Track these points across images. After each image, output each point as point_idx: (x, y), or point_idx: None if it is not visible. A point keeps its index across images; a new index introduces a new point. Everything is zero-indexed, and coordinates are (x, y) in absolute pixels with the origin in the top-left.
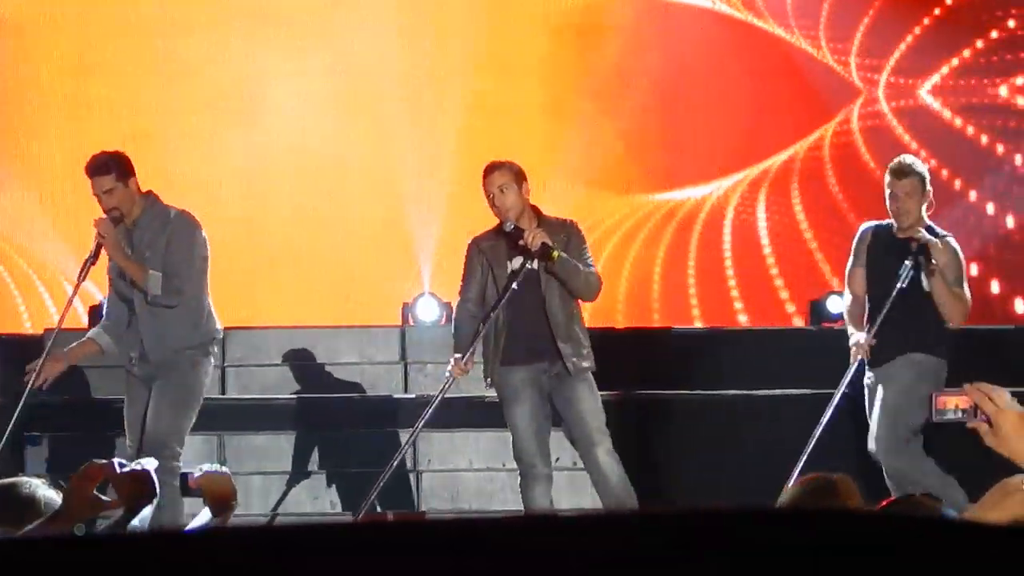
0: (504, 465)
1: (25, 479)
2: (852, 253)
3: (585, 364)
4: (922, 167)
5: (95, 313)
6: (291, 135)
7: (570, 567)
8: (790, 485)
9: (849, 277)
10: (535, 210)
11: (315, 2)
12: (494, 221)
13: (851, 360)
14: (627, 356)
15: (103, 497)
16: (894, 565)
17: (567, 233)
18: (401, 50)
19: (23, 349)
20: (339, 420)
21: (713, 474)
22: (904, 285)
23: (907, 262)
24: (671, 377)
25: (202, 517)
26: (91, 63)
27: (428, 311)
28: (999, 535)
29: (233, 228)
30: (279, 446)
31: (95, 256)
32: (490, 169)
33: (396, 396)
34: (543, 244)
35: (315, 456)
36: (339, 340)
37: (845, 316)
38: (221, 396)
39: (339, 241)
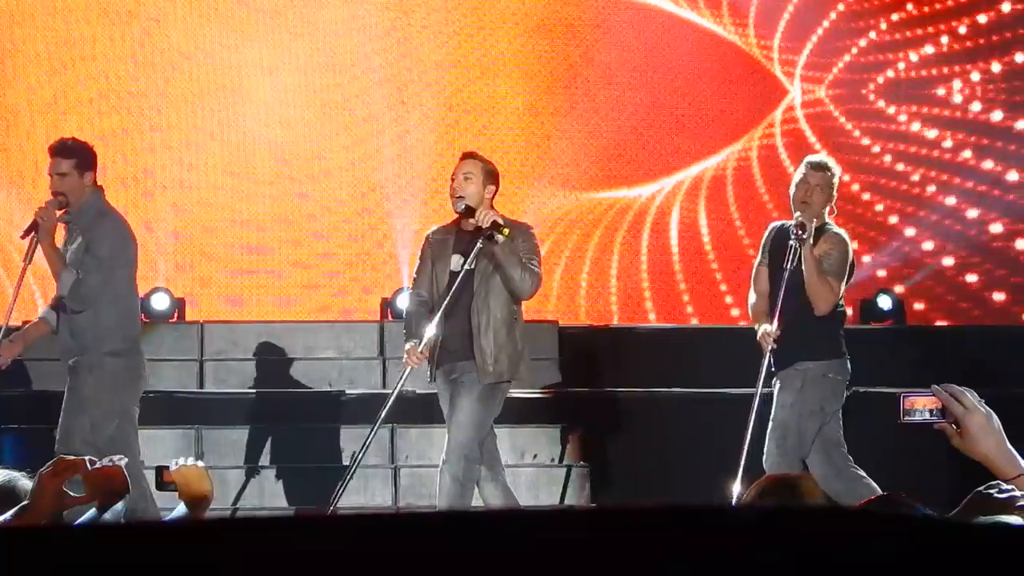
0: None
1: (4, 472)
2: (759, 251)
3: (491, 373)
4: (837, 170)
5: None
6: (271, 130)
7: (546, 561)
8: (739, 485)
9: (755, 275)
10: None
11: None
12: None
13: (764, 353)
14: (612, 353)
15: (71, 492)
16: (881, 563)
17: (516, 233)
18: (381, 47)
19: None
20: (317, 415)
21: (695, 472)
22: (792, 266)
23: (791, 240)
24: (660, 375)
25: (178, 511)
26: (70, 57)
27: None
28: (983, 533)
29: (212, 222)
30: (256, 440)
31: (26, 234)
32: (466, 155)
33: (374, 391)
34: (493, 221)
35: (292, 450)
36: (318, 335)
37: (750, 313)
38: (199, 390)
39: (318, 236)
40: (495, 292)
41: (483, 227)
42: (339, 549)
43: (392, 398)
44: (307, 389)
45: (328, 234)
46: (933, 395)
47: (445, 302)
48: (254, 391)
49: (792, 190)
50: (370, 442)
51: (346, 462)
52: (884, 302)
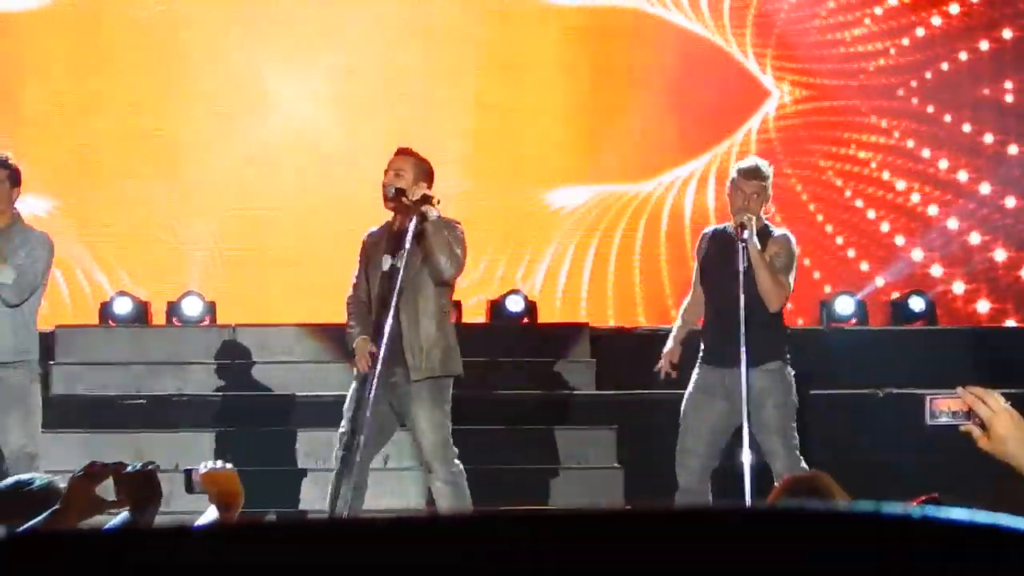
0: (502, 462)
1: (42, 475)
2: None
3: (423, 369)
4: (769, 171)
5: (105, 309)
6: (299, 133)
7: (552, 565)
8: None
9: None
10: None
11: (324, 0)
12: (497, 221)
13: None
14: (619, 355)
15: (103, 497)
16: (892, 565)
17: (444, 224)
18: (409, 49)
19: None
20: (341, 417)
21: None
22: (745, 266)
23: (739, 243)
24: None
25: (209, 514)
26: (95, 60)
27: None
28: (989, 534)
29: (238, 226)
30: (288, 443)
31: None
32: (400, 152)
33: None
34: (423, 195)
35: (319, 453)
36: (344, 338)
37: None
38: (225, 392)
39: (345, 239)
40: (422, 288)
41: (415, 201)
42: (342, 552)
43: (370, 401)
44: (338, 393)
45: (355, 237)
46: (959, 397)
47: (392, 308)
48: (285, 394)
49: (729, 196)
50: (360, 444)
51: (377, 465)
52: (916, 303)
